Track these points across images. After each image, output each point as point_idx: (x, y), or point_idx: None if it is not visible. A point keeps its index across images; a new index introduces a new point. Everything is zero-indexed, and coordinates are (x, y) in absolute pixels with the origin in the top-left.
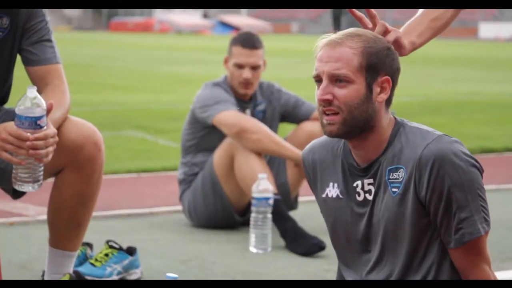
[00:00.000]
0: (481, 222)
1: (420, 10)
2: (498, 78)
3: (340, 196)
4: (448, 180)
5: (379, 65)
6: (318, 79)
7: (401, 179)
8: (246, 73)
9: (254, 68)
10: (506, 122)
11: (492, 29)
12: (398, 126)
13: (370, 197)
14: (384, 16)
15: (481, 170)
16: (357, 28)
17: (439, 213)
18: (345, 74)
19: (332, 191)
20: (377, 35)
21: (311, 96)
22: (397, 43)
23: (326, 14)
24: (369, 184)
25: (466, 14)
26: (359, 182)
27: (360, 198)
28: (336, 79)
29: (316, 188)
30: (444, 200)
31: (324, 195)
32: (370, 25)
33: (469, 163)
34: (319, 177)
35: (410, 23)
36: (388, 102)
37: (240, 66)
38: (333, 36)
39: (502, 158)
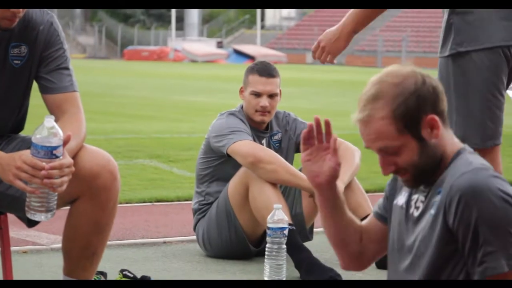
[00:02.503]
0: (507, 258)
1: None
2: None
3: (403, 206)
4: (475, 212)
5: (415, 114)
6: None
7: (438, 202)
8: (264, 101)
9: (271, 96)
10: None
11: None
12: (458, 154)
13: (416, 214)
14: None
15: None
16: (374, 84)
17: (466, 243)
18: (391, 146)
19: (401, 200)
20: (396, 81)
21: None
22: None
23: None
24: (421, 201)
25: None
26: (415, 196)
27: (411, 212)
28: (386, 152)
29: (394, 194)
30: (472, 232)
31: (395, 202)
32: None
33: (502, 199)
34: (399, 185)
35: None
36: (444, 122)
37: (257, 95)
38: (359, 109)
39: None
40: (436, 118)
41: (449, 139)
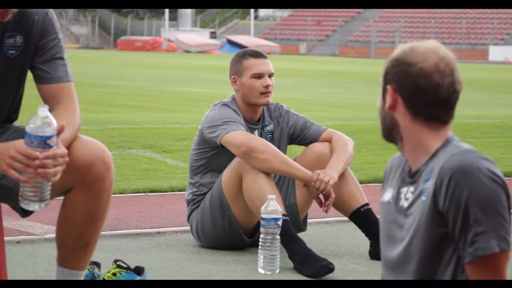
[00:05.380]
0: (498, 239)
1: None
2: (507, 102)
3: (390, 201)
4: (466, 192)
5: (389, 75)
6: None
7: (429, 187)
8: (268, 80)
9: (270, 76)
10: None
11: (502, 52)
12: (447, 142)
13: (406, 204)
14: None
15: (504, 189)
16: (424, 41)
17: (457, 225)
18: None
19: (387, 196)
20: (420, 49)
21: (319, 117)
22: None
23: (334, 34)
24: (411, 192)
25: (477, 39)
26: (405, 189)
27: (401, 204)
28: None
29: (382, 193)
30: (462, 212)
31: (382, 200)
32: None
33: (491, 179)
34: (385, 183)
35: None
36: (418, 114)
37: (260, 76)
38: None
39: None
40: (394, 95)
41: (426, 133)
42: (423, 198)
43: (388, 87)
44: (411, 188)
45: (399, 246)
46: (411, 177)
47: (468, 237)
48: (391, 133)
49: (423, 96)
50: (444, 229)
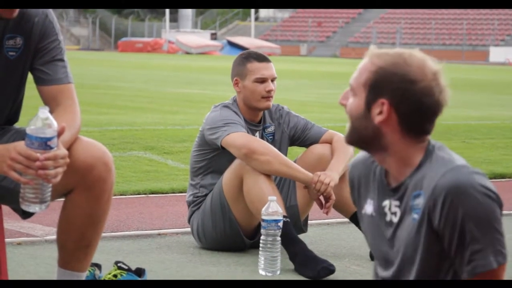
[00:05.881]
0: (494, 255)
1: None
2: (507, 103)
3: (373, 214)
4: (461, 211)
5: (383, 88)
6: None
7: (421, 205)
8: (270, 85)
9: (273, 80)
10: None
11: (503, 53)
12: (429, 152)
13: (395, 220)
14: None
15: (498, 203)
16: (406, 50)
17: (453, 243)
18: (352, 85)
19: (369, 208)
20: (415, 61)
21: (320, 118)
22: None
23: (335, 35)
24: (396, 206)
25: (477, 40)
26: (387, 203)
27: (388, 219)
28: (350, 86)
29: (359, 203)
30: (458, 231)
31: (363, 211)
32: None
33: (485, 195)
34: (361, 193)
35: None
36: (410, 130)
37: (263, 80)
38: (377, 48)
39: None
40: (390, 110)
41: (413, 146)
42: (414, 215)
43: (383, 100)
44: (395, 202)
45: (393, 267)
46: (394, 190)
47: (466, 255)
48: (370, 142)
49: (423, 114)
50: (440, 246)
